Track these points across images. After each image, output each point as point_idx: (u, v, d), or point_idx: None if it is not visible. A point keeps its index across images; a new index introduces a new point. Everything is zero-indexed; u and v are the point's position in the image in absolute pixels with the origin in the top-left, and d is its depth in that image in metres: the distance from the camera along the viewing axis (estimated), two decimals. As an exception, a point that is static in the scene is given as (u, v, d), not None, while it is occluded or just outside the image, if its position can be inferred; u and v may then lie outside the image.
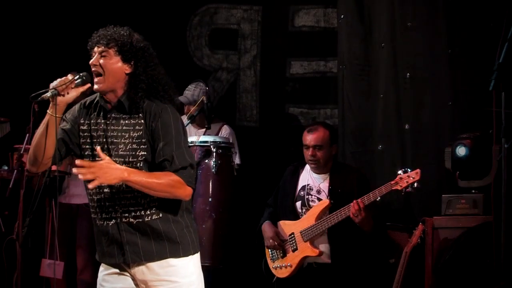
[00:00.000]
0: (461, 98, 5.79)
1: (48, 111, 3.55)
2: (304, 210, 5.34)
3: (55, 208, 5.77)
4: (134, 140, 3.52)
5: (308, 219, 5.25)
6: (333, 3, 6.74)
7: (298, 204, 5.38)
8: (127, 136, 3.54)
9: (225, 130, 6.19)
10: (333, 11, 6.82)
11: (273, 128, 6.98)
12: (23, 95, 6.34)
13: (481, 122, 5.32)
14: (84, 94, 3.67)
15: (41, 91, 3.52)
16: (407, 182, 4.95)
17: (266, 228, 5.43)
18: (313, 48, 6.97)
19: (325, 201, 5.24)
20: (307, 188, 5.38)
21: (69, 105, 3.65)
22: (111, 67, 3.56)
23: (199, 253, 3.66)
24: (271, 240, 5.34)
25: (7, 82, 6.77)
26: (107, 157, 3.43)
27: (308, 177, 5.41)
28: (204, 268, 5.33)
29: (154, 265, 3.53)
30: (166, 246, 3.53)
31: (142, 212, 3.51)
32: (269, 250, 5.39)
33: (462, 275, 4.86)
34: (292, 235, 5.28)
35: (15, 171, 5.54)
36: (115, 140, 3.55)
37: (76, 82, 3.57)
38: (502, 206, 3.88)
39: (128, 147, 3.52)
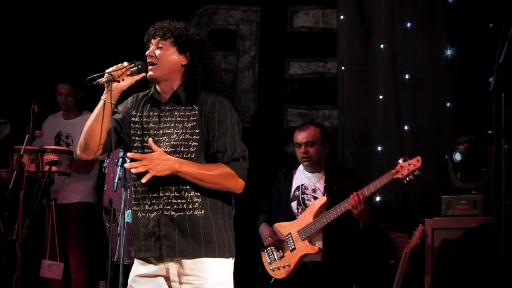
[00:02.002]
0: (460, 98, 5.80)
1: (102, 97, 3.56)
2: (300, 210, 5.34)
3: (54, 209, 5.78)
4: (187, 131, 3.54)
5: (305, 218, 5.25)
6: (332, 3, 6.74)
7: (294, 204, 5.38)
8: (180, 126, 3.55)
9: None
10: (332, 12, 6.82)
11: (271, 129, 6.98)
12: (23, 97, 6.42)
13: (480, 122, 5.33)
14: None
15: (96, 75, 3.51)
16: (408, 170, 4.93)
17: (263, 229, 5.44)
18: (312, 49, 6.96)
19: (323, 198, 5.23)
20: (302, 188, 5.39)
21: (121, 99, 3.66)
22: (166, 58, 3.59)
23: (233, 259, 3.64)
24: (269, 239, 5.34)
25: (7, 83, 6.76)
26: (159, 149, 3.46)
27: (303, 177, 5.41)
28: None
29: (188, 261, 3.52)
30: (202, 245, 3.51)
31: (185, 206, 3.51)
32: (266, 252, 5.38)
33: (462, 276, 4.87)
34: (289, 235, 5.28)
35: (15, 172, 5.54)
36: (167, 131, 3.57)
37: (131, 69, 3.58)
38: (502, 207, 3.88)
39: (181, 137, 3.53)
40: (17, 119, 6.01)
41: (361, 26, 6.33)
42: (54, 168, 5.59)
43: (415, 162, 4.93)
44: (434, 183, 5.78)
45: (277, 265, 5.31)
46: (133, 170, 3.43)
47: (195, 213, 3.51)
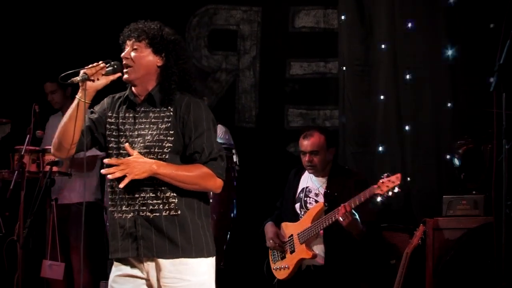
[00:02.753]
0: (461, 99, 5.80)
1: (76, 95, 3.54)
2: (302, 212, 5.34)
3: (55, 209, 5.79)
4: (161, 132, 3.53)
5: (305, 222, 5.25)
6: (333, 4, 6.74)
7: (297, 206, 5.38)
8: (155, 127, 3.54)
9: (220, 130, 6.17)
10: (333, 12, 6.82)
11: (272, 129, 6.98)
12: (23, 97, 6.42)
13: (481, 123, 5.33)
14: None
15: (71, 72, 3.52)
16: (387, 186, 4.91)
17: (268, 229, 5.44)
18: (313, 49, 6.97)
19: (320, 204, 5.23)
20: (306, 191, 5.38)
21: (97, 100, 3.66)
22: (142, 59, 3.58)
23: (214, 258, 3.63)
24: (271, 241, 5.35)
25: (8, 83, 6.77)
26: (135, 152, 3.46)
27: (308, 180, 5.41)
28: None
29: (166, 262, 3.51)
30: (179, 245, 3.50)
31: (161, 207, 3.50)
32: (272, 251, 5.40)
33: (463, 276, 4.87)
34: (291, 237, 5.29)
35: (16, 172, 5.54)
36: (142, 132, 3.56)
37: (107, 69, 3.57)
38: (503, 207, 3.88)
39: (155, 138, 3.52)
40: (18, 120, 6.01)
41: (362, 26, 6.34)
42: (55, 168, 5.59)
43: (394, 179, 4.89)
44: (435, 183, 5.78)
45: (279, 266, 5.32)
46: (109, 176, 3.42)
47: (171, 213, 3.50)
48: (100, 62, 3.58)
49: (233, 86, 7.16)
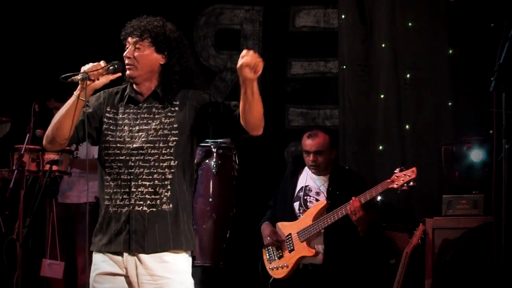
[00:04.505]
0: (461, 98, 5.81)
1: (75, 92, 3.53)
2: (301, 211, 5.34)
3: (55, 208, 5.79)
4: (165, 126, 3.54)
5: (305, 220, 5.25)
6: (333, 3, 6.74)
7: (296, 204, 5.38)
8: (158, 122, 3.55)
9: None
10: (333, 12, 6.82)
11: (272, 128, 6.97)
12: (23, 96, 6.42)
13: (481, 122, 5.33)
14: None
15: (71, 74, 3.51)
16: (403, 180, 4.94)
17: (265, 227, 5.44)
18: (313, 49, 6.96)
19: (323, 202, 5.24)
20: (306, 189, 5.38)
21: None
22: (145, 58, 3.58)
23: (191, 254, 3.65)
24: (268, 238, 5.34)
25: (8, 82, 6.77)
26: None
27: (308, 178, 5.41)
28: (205, 268, 5.40)
29: (148, 258, 3.50)
30: (170, 239, 3.51)
31: (158, 202, 3.50)
32: (266, 251, 5.39)
33: (463, 276, 4.87)
34: (289, 236, 5.29)
35: (16, 171, 5.55)
36: (144, 127, 3.56)
37: (108, 69, 3.57)
38: (503, 207, 3.88)
39: (159, 132, 3.53)
40: (18, 119, 6.01)
41: (362, 26, 6.33)
42: (54, 167, 5.60)
43: (410, 173, 4.94)
44: (435, 183, 5.77)
45: (276, 265, 5.32)
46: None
47: (163, 207, 3.50)
48: (101, 61, 3.57)
49: (237, 86, 7.14)
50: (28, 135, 5.66)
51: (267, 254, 5.38)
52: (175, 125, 3.54)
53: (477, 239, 4.88)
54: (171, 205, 3.52)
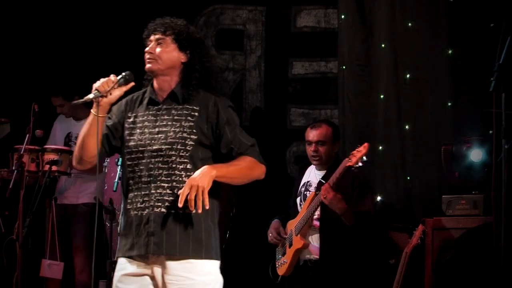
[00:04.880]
0: (461, 98, 5.80)
1: (92, 110, 3.56)
2: (301, 206, 5.37)
3: (54, 208, 5.79)
4: (184, 129, 3.54)
5: (300, 214, 5.27)
6: (333, 3, 6.73)
7: (298, 200, 5.41)
8: (178, 124, 3.55)
9: None
10: (333, 12, 6.81)
11: (274, 128, 6.98)
12: (23, 96, 6.42)
13: (481, 123, 5.33)
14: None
15: (82, 99, 3.54)
16: (356, 157, 4.94)
17: (271, 225, 5.45)
18: (314, 49, 6.96)
19: (312, 193, 5.24)
20: (307, 185, 5.40)
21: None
22: (166, 54, 3.59)
23: (219, 262, 3.61)
24: (270, 235, 5.36)
25: (7, 83, 6.77)
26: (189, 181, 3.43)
27: (311, 174, 5.42)
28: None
29: (172, 261, 3.49)
30: (190, 245, 3.49)
31: (176, 204, 3.46)
32: (276, 250, 5.41)
33: (462, 276, 4.87)
34: (291, 232, 5.31)
35: (15, 171, 5.55)
36: (164, 129, 3.56)
37: (118, 81, 3.58)
38: (502, 207, 3.88)
39: (178, 135, 3.53)
40: (17, 119, 6.01)
41: (362, 26, 6.32)
42: (54, 168, 5.60)
43: (362, 149, 4.93)
44: (435, 183, 5.77)
45: (280, 262, 5.34)
46: (191, 208, 3.38)
47: (186, 211, 3.47)
48: (111, 75, 3.58)
49: (240, 86, 7.15)
50: (27, 135, 5.67)
51: (276, 253, 5.40)
52: (194, 130, 3.54)
53: (477, 239, 4.88)
54: (194, 210, 3.47)
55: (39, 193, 5.41)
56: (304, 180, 5.45)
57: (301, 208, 5.34)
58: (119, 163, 4.85)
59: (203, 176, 3.39)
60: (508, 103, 3.88)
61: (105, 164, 5.48)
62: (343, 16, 6.43)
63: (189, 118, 3.56)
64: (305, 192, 5.39)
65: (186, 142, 3.52)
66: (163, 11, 6.97)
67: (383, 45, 6.14)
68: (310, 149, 5.33)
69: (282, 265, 5.30)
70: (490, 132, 5.00)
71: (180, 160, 3.51)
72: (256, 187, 6.43)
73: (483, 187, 5.12)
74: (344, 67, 6.41)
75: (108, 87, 3.54)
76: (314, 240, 5.23)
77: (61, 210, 5.98)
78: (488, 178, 4.14)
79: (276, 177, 5.78)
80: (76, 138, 6.13)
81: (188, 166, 3.52)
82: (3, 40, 6.81)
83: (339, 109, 6.54)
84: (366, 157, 4.91)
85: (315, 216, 5.18)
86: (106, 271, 5.13)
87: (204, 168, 3.43)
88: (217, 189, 3.57)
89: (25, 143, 5.61)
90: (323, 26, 6.92)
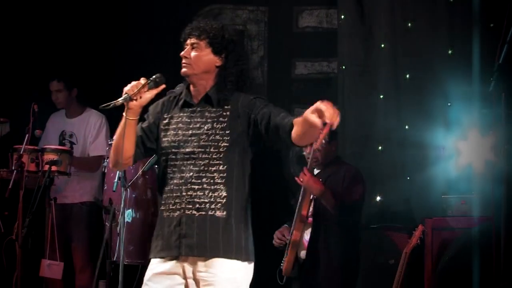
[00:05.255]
0: (461, 98, 5.79)
1: (123, 113, 3.58)
2: None
3: (54, 208, 5.78)
4: (217, 132, 3.56)
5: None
6: (335, 4, 6.74)
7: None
8: (210, 127, 3.58)
9: None
10: (335, 12, 6.80)
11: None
12: (23, 96, 6.41)
13: (481, 123, 5.32)
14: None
15: (111, 103, 3.53)
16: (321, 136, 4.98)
17: (278, 230, 5.51)
18: (316, 49, 6.97)
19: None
20: None
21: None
22: (201, 58, 3.62)
23: (252, 264, 3.62)
24: (274, 238, 5.44)
25: (7, 82, 6.76)
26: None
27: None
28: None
29: (203, 260, 3.52)
30: (221, 247, 3.51)
31: (207, 206, 3.52)
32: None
33: (462, 276, 4.86)
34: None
35: (15, 171, 5.54)
36: (197, 132, 3.59)
37: (148, 85, 3.58)
38: (502, 207, 3.88)
39: (211, 137, 3.56)
40: (17, 119, 6.01)
41: (361, 26, 6.32)
42: (54, 168, 5.59)
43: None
44: (435, 183, 5.77)
45: (283, 261, 5.36)
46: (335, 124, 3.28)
47: (216, 214, 3.52)
48: (141, 79, 3.59)
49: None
50: (27, 135, 5.66)
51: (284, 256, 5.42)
52: (227, 131, 3.56)
53: (476, 239, 4.87)
54: (224, 212, 3.52)
55: (38, 193, 5.40)
56: None
57: None
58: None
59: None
60: (508, 103, 3.88)
61: (105, 164, 5.48)
62: (343, 16, 6.43)
63: (221, 119, 3.58)
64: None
65: (219, 144, 3.55)
66: (162, 11, 7.03)
67: (383, 45, 6.14)
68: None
69: (283, 264, 5.32)
70: (490, 132, 5.00)
71: (213, 163, 3.54)
72: (260, 186, 6.46)
73: (482, 187, 5.12)
74: (344, 67, 6.41)
75: (138, 90, 3.54)
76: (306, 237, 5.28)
77: (60, 210, 5.97)
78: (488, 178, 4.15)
79: (279, 177, 5.78)
80: (70, 136, 6.16)
81: (221, 168, 3.55)
82: (3, 40, 6.81)
83: (339, 109, 6.52)
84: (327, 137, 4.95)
85: (310, 213, 5.22)
86: (106, 271, 5.12)
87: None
88: (250, 192, 3.63)
89: (24, 143, 5.61)
90: (325, 26, 6.93)
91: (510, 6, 4.34)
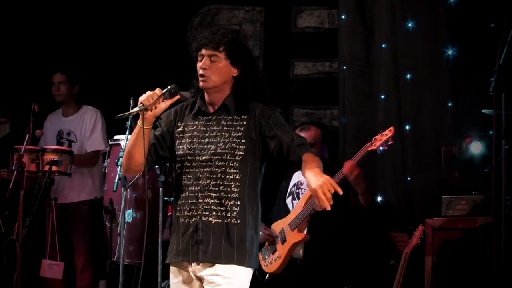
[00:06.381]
0: (461, 99, 5.79)
1: (138, 122, 3.63)
2: (294, 204, 5.40)
3: (54, 209, 5.78)
4: (234, 140, 3.61)
5: (295, 210, 5.31)
6: (335, 4, 6.74)
7: (289, 200, 5.48)
8: (227, 135, 3.62)
9: None
10: (335, 12, 6.82)
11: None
12: (23, 96, 6.42)
13: (481, 123, 5.32)
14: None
15: (126, 113, 3.63)
16: (380, 140, 4.98)
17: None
18: (317, 49, 6.98)
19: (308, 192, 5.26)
20: (298, 184, 5.48)
21: None
22: (219, 70, 3.65)
23: (253, 270, 3.70)
24: (260, 233, 5.39)
25: (7, 83, 6.77)
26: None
27: (300, 175, 5.43)
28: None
29: (216, 265, 3.59)
30: (235, 254, 3.58)
31: (224, 214, 3.58)
32: (261, 252, 5.40)
33: (462, 277, 4.86)
34: (282, 230, 5.33)
35: (15, 171, 5.55)
36: (213, 140, 3.63)
37: (164, 96, 3.62)
38: (502, 207, 3.88)
39: (228, 145, 3.60)
40: (17, 119, 6.01)
41: (362, 26, 6.31)
42: (54, 168, 5.60)
43: (387, 132, 5.01)
44: (435, 183, 5.77)
45: (270, 260, 5.35)
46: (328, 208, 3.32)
47: (232, 221, 3.58)
48: (157, 89, 3.62)
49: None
50: (27, 135, 5.67)
51: (262, 254, 5.39)
52: (243, 140, 3.61)
53: (476, 239, 4.87)
54: (239, 221, 3.59)
55: (39, 193, 5.40)
56: (293, 181, 5.54)
57: (293, 206, 5.37)
58: (119, 163, 4.84)
59: (320, 175, 3.34)
60: (508, 104, 3.88)
61: (105, 164, 5.48)
62: (343, 16, 6.43)
63: (238, 128, 3.63)
64: (297, 191, 5.45)
65: (236, 152, 3.59)
66: (157, 11, 7.04)
67: (383, 45, 6.13)
68: None
69: (274, 261, 5.30)
70: (490, 132, 5.00)
71: (230, 171, 3.59)
72: (261, 188, 6.46)
73: (483, 187, 5.12)
74: (344, 67, 6.41)
75: (153, 101, 3.58)
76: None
77: (61, 210, 5.97)
78: (488, 178, 4.14)
79: (278, 178, 5.78)
80: (68, 134, 6.17)
81: (237, 177, 3.59)
82: (3, 40, 6.81)
83: (339, 109, 6.54)
84: (391, 140, 4.96)
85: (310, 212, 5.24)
86: (106, 271, 5.12)
87: (316, 171, 3.37)
88: (258, 200, 3.68)
89: (25, 143, 5.62)
90: (327, 26, 6.94)
91: (510, 6, 4.34)
